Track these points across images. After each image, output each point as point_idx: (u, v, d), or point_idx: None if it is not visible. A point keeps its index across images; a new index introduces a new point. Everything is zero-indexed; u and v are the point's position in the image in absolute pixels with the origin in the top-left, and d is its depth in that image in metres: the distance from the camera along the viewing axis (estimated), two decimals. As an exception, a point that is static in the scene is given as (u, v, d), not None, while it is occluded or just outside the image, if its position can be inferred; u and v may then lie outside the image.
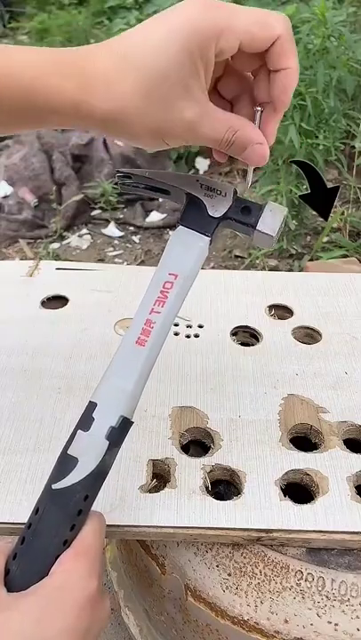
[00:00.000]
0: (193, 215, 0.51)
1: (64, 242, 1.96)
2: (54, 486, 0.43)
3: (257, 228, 0.51)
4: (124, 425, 0.46)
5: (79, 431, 0.45)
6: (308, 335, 0.74)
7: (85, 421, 0.46)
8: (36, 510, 0.43)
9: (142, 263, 1.83)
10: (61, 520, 0.43)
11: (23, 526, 0.46)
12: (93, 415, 0.46)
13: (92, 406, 0.47)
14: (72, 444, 0.45)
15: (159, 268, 0.51)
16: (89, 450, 0.45)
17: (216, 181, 0.52)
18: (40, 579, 0.40)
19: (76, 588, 0.40)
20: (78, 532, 0.43)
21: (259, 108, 0.46)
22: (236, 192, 0.52)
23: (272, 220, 0.51)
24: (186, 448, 0.60)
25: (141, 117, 0.40)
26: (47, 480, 0.44)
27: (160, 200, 2.09)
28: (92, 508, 0.45)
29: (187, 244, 0.51)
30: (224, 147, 0.44)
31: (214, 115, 0.42)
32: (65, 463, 0.44)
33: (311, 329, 0.74)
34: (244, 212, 0.51)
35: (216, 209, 0.51)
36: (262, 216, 0.51)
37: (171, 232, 1.95)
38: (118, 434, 0.46)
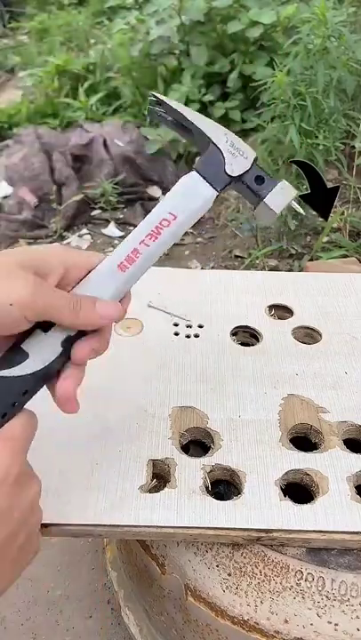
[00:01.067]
0: (210, 166, 0.52)
1: (64, 242, 1.96)
2: None
3: (264, 199, 0.52)
4: (79, 335, 0.48)
5: (38, 330, 0.46)
6: (308, 335, 0.74)
7: (46, 323, 0.47)
8: None
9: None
10: None
11: None
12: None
13: None
14: (28, 338, 0.46)
15: (161, 204, 0.51)
16: (42, 349, 0.46)
17: (241, 141, 0.53)
18: None
19: None
20: (7, 421, 0.45)
21: None
22: (256, 159, 0.53)
23: (281, 197, 0.53)
24: (186, 448, 0.60)
25: None
26: None
27: (160, 200, 2.09)
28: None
29: (194, 191, 0.52)
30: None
31: None
32: (15, 354, 0.45)
33: (311, 329, 0.74)
34: (258, 181, 0.52)
35: (233, 168, 0.52)
36: (273, 191, 0.52)
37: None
38: (71, 344, 0.47)
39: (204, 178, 0.52)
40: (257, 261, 1.65)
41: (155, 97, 0.54)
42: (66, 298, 0.46)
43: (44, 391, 0.65)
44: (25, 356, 0.45)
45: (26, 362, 0.45)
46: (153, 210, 0.51)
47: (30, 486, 0.45)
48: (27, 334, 0.46)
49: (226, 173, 0.52)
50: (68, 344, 0.47)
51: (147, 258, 0.50)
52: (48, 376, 0.47)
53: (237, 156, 0.52)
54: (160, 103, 0.54)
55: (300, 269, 1.55)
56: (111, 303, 0.49)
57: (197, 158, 0.53)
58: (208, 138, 0.52)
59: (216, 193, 0.52)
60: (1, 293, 0.42)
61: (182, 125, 0.54)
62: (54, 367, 0.47)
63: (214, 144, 0.52)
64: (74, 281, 0.49)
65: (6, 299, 0.42)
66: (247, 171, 0.52)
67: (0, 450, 0.43)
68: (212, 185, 0.52)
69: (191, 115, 0.53)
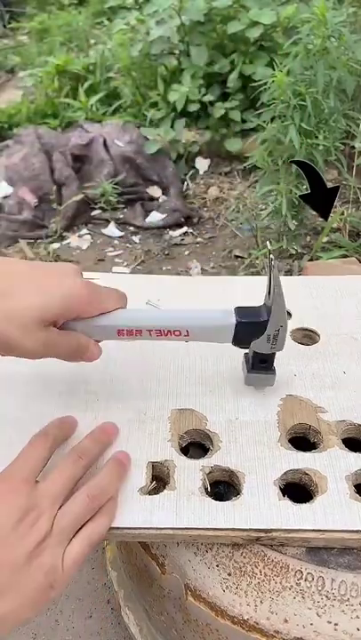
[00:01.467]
0: (247, 331, 0.57)
1: (64, 242, 1.96)
2: None
3: (248, 372, 0.62)
4: None
5: None
6: (307, 336, 0.74)
7: None
8: None
9: (142, 263, 1.83)
10: None
11: None
12: None
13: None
14: None
15: (188, 316, 0.56)
16: None
17: (285, 334, 0.58)
18: None
19: None
20: None
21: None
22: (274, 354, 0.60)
23: (258, 382, 0.63)
24: (185, 450, 0.60)
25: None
26: None
27: (160, 200, 2.09)
28: None
29: (217, 334, 0.57)
30: None
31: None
32: None
33: (310, 330, 0.74)
34: (262, 362, 0.61)
35: (260, 347, 0.58)
36: (260, 375, 0.62)
37: (171, 232, 1.96)
38: None
39: (235, 334, 0.57)
40: (257, 261, 1.65)
41: (270, 255, 0.57)
42: (75, 348, 0.54)
43: (45, 391, 0.66)
44: None
45: None
46: (179, 312, 0.57)
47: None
48: None
49: (249, 344, 0.58)
50: None
51: (139, 339, 0.56)
52: None
53: (270, 343, 0.58)
54: (270, 259, 0.57)
55: (300, 269, 1.55)
56: (97, 346, 0.56)
57: (244, 311, 0.57)
58: (269, 314, 0.56)
59: (230, 345, 0.58)
60: (14, 344, 0.49)
61: (270, 283, 0.57)
62: None
63: (265, 324, 0.56)
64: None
65: (16, 348, 0.50)
66: (264, 353, 0.59)
67: None
68: (233, 342, 0.58)
69: (278, 289, 0.56)
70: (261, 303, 0.58)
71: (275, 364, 0.62)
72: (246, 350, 0.62)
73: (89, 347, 0.55)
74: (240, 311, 0.57)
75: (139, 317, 0.55)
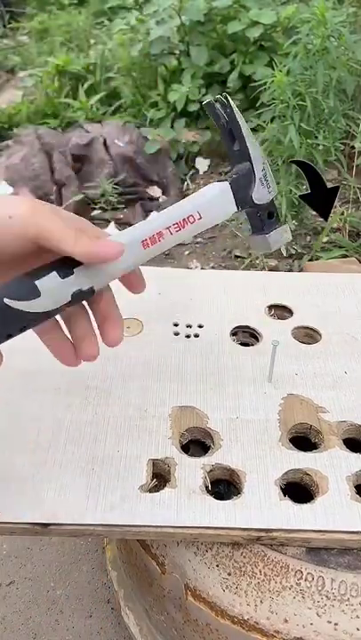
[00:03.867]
0: (241, 186, 0.56)
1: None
2: (6, 301, 0.46)
3: (267, 234, 0.59)
4: (89, 293, 0.50)
5: (55, 272, 0.48)
6: (308, 335, 0.74)
7: (65, 269, 0.48)
8: None
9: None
10: None
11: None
12: (75, 270, 0.49)
13: (78, 263, 0.49)
14: (43, 278, 0.47)
15: (192, 201, 0.55)
16: (54, 294, 0.47)
17: (272, 174, 0.58)
18: None
19: None
20: None
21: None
22: (275, 197, 0.59)
23: (280, 238, 0.60)
24: (186, 448, 0.60)
25: None
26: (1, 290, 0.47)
27: (160, 200, 2.08)
28: None
29: (221, 202, 0.56)
30: None
31: None
32: (28, 288, 0.47)
33: (311, 329, 0.74)
34: (269, 216, 0.58)
35: (258, 196, 0.57)
36: (277, 229, 0.59)
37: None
38: (79, 298, 0.49)
39: (234, 194, 0.56)
40: (257, 261, 1.65)
41: (226, 99, 0.56)
42: (67, 221, 0.47)
43: (44, 387, 0.66)
44: (37, 294, 0.47)
45: (36, 300, 0.47)
46: (182, 202, 0.55)
47: None
48: (40, 272, 0.47)
49: (250, 198, 0.57)
50: (78, 298, 0.49)
51: (165, 244, 0.54)
52: (47, 319, 0.49)
53: (265, 186, 0.57)
54: (224, 105, 0.56)
55: (300, 269, 1.55)
56: (112, 243, 0.49)
57: (231, 172, 0.57)
58: (250, 159, 0.56)
59: (235, 211, 0.56)
60: (1, 207, 0.44)
61: (230, 133, 0.57)
62: (57, 312, 0.49)
63: (252, 167, 0.56)
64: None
65: (5, 211, 0.44)
66: (266, 203, 0.57)
67: None
68: (236, 203, 0.56)
69: (246, 130, 0.56)
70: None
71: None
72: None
73: (96, 235, 0.49)
74: (228, 175, 0.57)
75: (155, 221, 0.55)
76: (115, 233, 0.53)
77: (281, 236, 0.60)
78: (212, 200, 0.56)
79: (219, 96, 0.57)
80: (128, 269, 0.53)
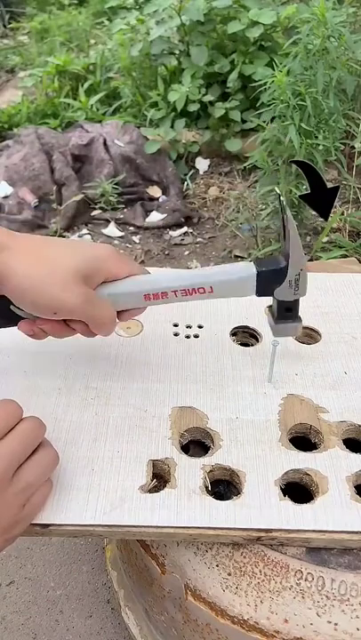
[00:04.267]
0: (268, 279, 0.57)
1: (64, 242, 1.96)
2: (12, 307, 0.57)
3: (276, 323, 0.62)
4: None
5: None
6: (308, 335, 0.74)
7: None
8: None
9: (142, 263, 1.83)
10: None
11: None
12: None
13: None
14: None
15: (209, 274, 0.57)
16: None
17: (306, 279, 0.59)
18: None
19: None
20: None
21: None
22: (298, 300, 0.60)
23: (286, 331, 0.63)
24: (186, 448, 0.60)
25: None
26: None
27: (160, 200, 2.08)
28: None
29: (240, 285, 0.57)
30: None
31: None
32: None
33: (311, 329, 0.74)
34: (286, 310, 0.61)
35: (282, 294, 0.59)
36: (287, 324, 0.62)
37: (171, 232, 1.96)
38: None
39: (257, 284, 0.57)
40: (257, 261, 1.65)
41: (280, 200, 0.58)
42: (109, 315, 0.57)
43: (44, 387, 0.66)
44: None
45: None
46: (198, 271, 0.58)
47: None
48: None
49: (272, 292, 0.59)
50: None
51: (167, 301, 0.58)
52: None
53: (292, 288, 0.58)
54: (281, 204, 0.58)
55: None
56: (112, 327, 0.58)
57: (264, 261, 0.58)
58: (288, 260, 0.57)
59: (253, 295, 0.58)
60: (57, 301, 0.53)
61: (283, 224, 0.57)
62: None
63: (287, 268, 0.57)
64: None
65: (60, 305, 0.54)
66: (288, 301, 0.59)
67: None
68: (257, 292, 0.58)
69: (294, 234, 0.56)
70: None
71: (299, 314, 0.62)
72: (270, 304, 0.63)
73: (115, 317, 0.58)
74: (259, 262, 0.58)
75: (163, 280, 0.57)
76: (125, 280, 0.58)
77: (288, 331, 0.62)
78: (230, 280, 0.57)
79: (276, 192, 0.59)
80: (122, 309, 0.59)
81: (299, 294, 0.59)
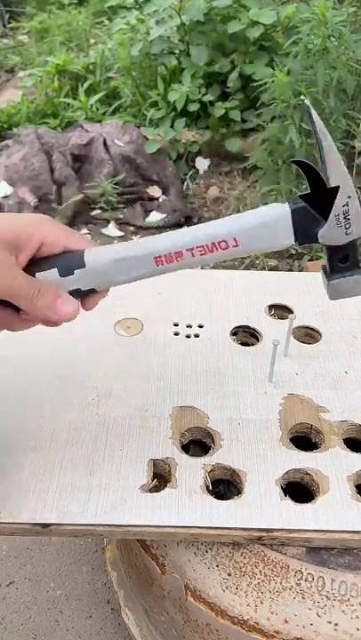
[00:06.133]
0: (307, 217, 0.46)
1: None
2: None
3: (331, 281, 0.49)
4: (87, 293, 0.50)
5: (55, 269, 0.48)
6: (308, 335, 0.74)
7: (66, 268, 0.48)
8: None
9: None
10: None
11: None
12: (75, 271, 0.48)
13: (81, 264, 0.48)
14: (44, 272, 0.48)
15: (230, 223, 0.46)
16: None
17: (357, 212, 0.46)
18: None
19: None
20: None
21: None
22: (355, 243, 0.47)
23: (345, 289, 0.49)
24: (186, 448, 0.60)
25: None
26: None
27: (160, 200, 2.08)
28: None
29: (274, 232, 0.46)
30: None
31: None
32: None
33: (311, 329, 0.74)
34: (342, 261, 0.48)
35: (328, 235, 0.46)
36: (346, 277, 0.48)
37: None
38: (77, 294, 0.49)
39: (294, 225, 0.45)
40: (257, 261, 1.65)
41: (308, 107, 0.46)
42: (27, 286, 0.47)
43: (44, 386, 0.66)
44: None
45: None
46: (218, 222, 0.47)
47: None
48: (42, 266, 0.48)
49: (316, 235, 0.46)
50: (76, 294, 0.49)
51: (183, 264, 0.47)
52: None
53: (341, 226, 0.45)
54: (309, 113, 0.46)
55: (300, 269, 1.55)
56: (71, 302, 0.49)
57: (300, 195, 0.46)
58: (328, 185, 0.45)
59: (292, 243, 0.46)
60: None
61: (317, 143, 0.47)
62: None
63: (328, 197, 0.45)
64: (50, 254, 0.49)
65: None
66: (339, 245, 0.47)
67: None
68: (295, 237, 0.46)
69: (329, 144, 0.46)
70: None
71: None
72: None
73: (54, 299, 0.48)
74: (294, 200, 0.46)
75: (175, 237, 0.47)
76: (129, 243, 0.50)
77: (349, 287, 0.48)
78: (257, 226, 0.45)
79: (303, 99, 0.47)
80: (133, 280, 0.49)
81: (352, 233, 0.45)
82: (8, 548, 0.95)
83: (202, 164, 2.22)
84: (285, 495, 0.54)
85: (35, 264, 0.48)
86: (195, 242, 0.47)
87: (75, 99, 2.50)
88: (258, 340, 0.72)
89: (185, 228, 0.49)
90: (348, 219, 0.45)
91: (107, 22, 3.08)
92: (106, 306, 0.76)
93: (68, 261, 0.48)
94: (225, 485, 0.59)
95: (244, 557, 0.54)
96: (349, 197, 0.45)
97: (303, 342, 0.72)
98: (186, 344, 0.71)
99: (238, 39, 2.06)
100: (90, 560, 0.94)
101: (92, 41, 3.01)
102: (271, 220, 0.46)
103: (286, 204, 0.46)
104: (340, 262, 0.48)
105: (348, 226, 0.45)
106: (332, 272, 0.48)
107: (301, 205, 0.46)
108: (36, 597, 0.89)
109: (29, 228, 0.48)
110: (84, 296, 0.50)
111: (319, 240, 0.46)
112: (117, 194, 2.05)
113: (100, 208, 2.06)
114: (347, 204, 0.45)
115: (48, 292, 0.48)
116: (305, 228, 0.46)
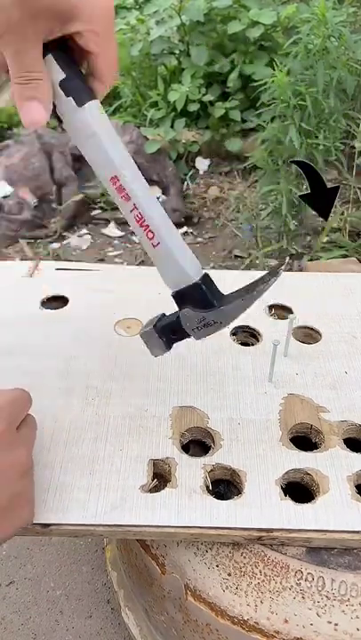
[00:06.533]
0: (193, 295, 0.54)
1: (64, 242, 1.95)
2: None
3: (151, 329, 0.57)
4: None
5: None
6: (308, 335, 0.74)
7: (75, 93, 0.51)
8: None
9: (142, 263, 1.83)
10: None
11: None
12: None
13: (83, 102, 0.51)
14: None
15: (169, 232, 0.52)
16: None
17: (211, 332, 0.54)
18: None
19: None
20: None
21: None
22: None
23: (151, 344, 0.58)
24: (186, 448, 0.60)
25: None
26: None
27: (160, 200, 2.08)
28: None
29: (178, 274, 0.54)
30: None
31: None
32: None
33: (311, 329, 0.74)
34: (173, 332, 0.56)
35: (186, 316, 0.54)
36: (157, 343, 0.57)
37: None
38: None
39: (182, 290, 0.54)
40: (257, 261, 1.65)
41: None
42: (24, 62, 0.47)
43: (44, 386, 0.65)
44: None
45: None
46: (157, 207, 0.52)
47: (14, 450, 0.48)
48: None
49: (182, 306, 0.54)
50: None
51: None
52: None
53: (197, 327, 0.54)
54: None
55: (300, 269, 1.55)
56: (42, 114, 0.49)
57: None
58: (222, 306, 0.53)
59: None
60: None
61: (256, 284, 0.55)
62: None
63: (211, 306, 0.53)
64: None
65: None
66: (183, 329, 0.55)
67: None
68: (173, 293, 0.54)
69: (253, 295, 0.53)
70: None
71: None
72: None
73: (33, 99, 0.48)
74: (206, 280, 0.53)
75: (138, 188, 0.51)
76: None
77: (153, 346, 0.57)
78: (172, 262, 0.53)
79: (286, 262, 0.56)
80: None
81: (196, 335, 0.55)
82: (8, 548, 0.95)
83: (202, 163, 2.22)
84: (285, 495, 0.54)
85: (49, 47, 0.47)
86: (141, 205, 0.51)
87: (75, 99, 2.50)
88: (258, 340, 0.72)
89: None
90: (204, 328, 0.54)
91: (107, 22, 3.07)
92: (106, 306, 0.76)
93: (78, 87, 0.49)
94: (225, 485, 0.59)
95: (244, 557, 0.54)
96: (220, 323, 0.53)
97: (303, 342, 0.72)
98: (186, 344, 0.71)
99: (238, 39, 2.06)
100: (90, 560, 0.94)
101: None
102: (183, 269, 0.53)
103: (202, 273, 0.54)
104: (171, 333, 0.56)
105: (199, 329, 0.54)
106: (160, 328, 0.57)
107: (202, 290, 0.53)
108: (36, 597, 0.89)
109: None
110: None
111: (180, 310, 0.54)
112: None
113: (100, 208, 2.06)
114: (213, 323, 0.54)
115: (37, 88, 0.48)
116: (183, 297, 0.54)
